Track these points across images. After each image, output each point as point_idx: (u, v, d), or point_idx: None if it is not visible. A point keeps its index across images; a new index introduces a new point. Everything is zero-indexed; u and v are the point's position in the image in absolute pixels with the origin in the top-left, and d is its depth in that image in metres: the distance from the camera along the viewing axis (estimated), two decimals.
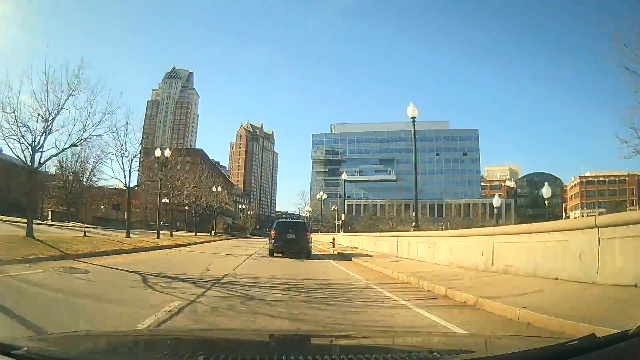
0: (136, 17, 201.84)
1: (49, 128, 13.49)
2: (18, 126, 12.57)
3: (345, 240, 25.16)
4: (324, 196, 42.09)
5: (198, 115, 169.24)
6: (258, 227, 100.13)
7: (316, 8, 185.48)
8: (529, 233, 7.85)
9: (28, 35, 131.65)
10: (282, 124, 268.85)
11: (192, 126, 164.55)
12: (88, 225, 33.14)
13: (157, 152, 24.19)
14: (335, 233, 29.05)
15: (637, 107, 10.62)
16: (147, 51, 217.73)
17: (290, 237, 14.94)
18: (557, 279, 6.45)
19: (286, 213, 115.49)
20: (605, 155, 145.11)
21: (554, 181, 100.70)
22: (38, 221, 32.89)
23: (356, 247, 21.33)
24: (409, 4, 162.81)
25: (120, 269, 8.84)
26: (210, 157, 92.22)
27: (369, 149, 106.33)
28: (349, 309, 5.25)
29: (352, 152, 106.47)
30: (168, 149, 24.50)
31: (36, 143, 13.02)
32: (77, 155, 40.40)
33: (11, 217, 25.04)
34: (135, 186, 23.70)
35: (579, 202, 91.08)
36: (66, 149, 14.04)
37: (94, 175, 40.30)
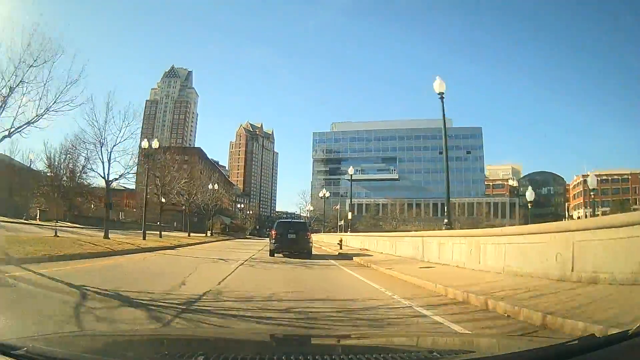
0: (135, 16, 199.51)
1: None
2: None
3: (354, 242, 22.51)
4: (327, 194, 39.50)
5: (197, 114, 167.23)
6: (258, 227, 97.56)
7: (316, 7, 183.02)
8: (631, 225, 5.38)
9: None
10: (282, 124, 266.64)
11: (191, 126, 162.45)
12: (77, 225, 30.96)
13: (144, 144, 21.71)
14: (342, 233, 26.38)
15: None
16: (146, 50, 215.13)
17: (291, 237, 14.87)
18: None
19: (286, 213, 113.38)
20: (608, 153, 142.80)
21: (556, 180, 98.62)
22: (22, 220, 30.76)
23: (367, 250, 18.79)
24: (409, 3, 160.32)
25: (62, 282, 6.47)
26: (210, 157, 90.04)
27: (370, 148, 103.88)
28: None
29: (354, 151, 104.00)
30: (156, 139, 21.87)
31: None
32: (66, 152, 38.28)
33: None
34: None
35: (582, 200, 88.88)
36: (20, 128, 11.43)
37: (84, 172, 37.94)
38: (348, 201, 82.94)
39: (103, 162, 17.22)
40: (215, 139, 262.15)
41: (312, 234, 17.18)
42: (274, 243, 14.71)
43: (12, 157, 36.91)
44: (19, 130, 11.27)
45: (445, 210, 12.61)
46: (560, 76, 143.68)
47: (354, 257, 14.42)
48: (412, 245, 13.33)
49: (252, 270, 10.01)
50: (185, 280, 7.33)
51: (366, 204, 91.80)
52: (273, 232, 15.20)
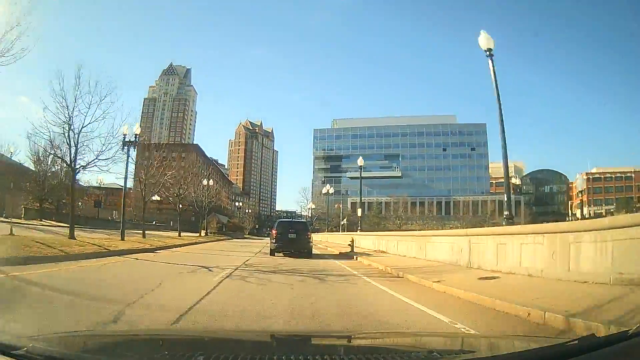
0: (134, 14, 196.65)
1: None
2: None
3: (367, 242, 19.47)
4: (331, 190, 36.51)
5: (196, 112, 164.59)
6: (257, 226, 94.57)
7: (317, 3, 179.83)
8: None
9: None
10: (281, 121, 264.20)
11: (190, 123, 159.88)
12: (62, 224, 28.12)
13: (124, 129, 18.75)
14: (352, 233, 23.36)
15: None
16: (144, 48, 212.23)
17: (292, 237, 15.05)
18: None
19: (287, 212, 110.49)
20: (613, 151, 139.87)
21: (560, 178, 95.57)
22: (2, 218, 27.92)
23: (384, 252, 15.88)
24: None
25: None
26: (209, 156, 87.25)
27: (372, 145, 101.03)
28: None
29: (355, 148, 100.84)
30: (138, 124, 18.93)
31: None
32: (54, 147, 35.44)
33: None
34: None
35: (585, 198, 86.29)
36: None
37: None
38: (349, 199, 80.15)
39: (70, 147, 14.40)
40: (215, 138, 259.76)
41: (313, 234, 17.50)
42: (275, 242, 15.06)
43: None
44: None
45: (505, 200, 9.55)
46: (565, 71, 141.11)
47: (371, 262, 11.51)
48: (450, 248, 10.35)
49: (242, 285, 6.98)
50: (124, 310, 4.36)
51: (368, 202, 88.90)
52: (274, 232, 15.56)
